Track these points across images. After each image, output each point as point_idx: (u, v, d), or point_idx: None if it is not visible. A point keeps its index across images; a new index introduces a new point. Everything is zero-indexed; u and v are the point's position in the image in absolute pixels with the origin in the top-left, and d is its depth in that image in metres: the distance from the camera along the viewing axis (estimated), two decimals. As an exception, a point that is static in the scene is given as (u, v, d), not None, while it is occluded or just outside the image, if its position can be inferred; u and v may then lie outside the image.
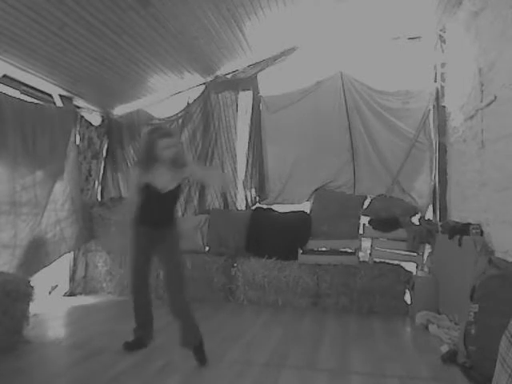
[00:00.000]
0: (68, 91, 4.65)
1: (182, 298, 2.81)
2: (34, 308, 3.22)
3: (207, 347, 2.70)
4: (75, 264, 4.89)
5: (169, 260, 2.84)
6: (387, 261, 4.32)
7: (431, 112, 4.61)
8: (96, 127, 5.23)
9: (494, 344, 1.73)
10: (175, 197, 2.89)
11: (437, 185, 4.56)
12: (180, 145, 2.81)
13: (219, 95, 5.26)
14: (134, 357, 2.78)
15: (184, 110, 5.36)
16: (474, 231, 3.22)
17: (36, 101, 4.35)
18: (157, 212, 2.82)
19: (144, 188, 2.75)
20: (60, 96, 4.64)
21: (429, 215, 4.57)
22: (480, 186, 3.37)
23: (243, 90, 5.22)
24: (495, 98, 3.01)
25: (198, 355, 2.65)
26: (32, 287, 3.14)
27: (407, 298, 4.04)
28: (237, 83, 5.20)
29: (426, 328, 3.38)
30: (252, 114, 5.16)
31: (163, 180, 2.76)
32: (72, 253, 4.81)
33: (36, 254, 4.13)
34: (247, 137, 5.19)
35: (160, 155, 2.73)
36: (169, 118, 5.44)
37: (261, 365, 2.65)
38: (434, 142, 4.59)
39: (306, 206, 4.92)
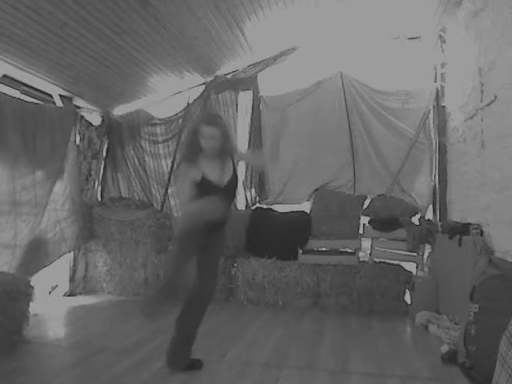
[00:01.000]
0: (68, 91, 4.65)
1: (203, 312, 2.57)
2: (34, 308, 3.22)
3: (207, 347, 2.69)
4: (75, 264, 4.88)
5: (211, 268, 2.57)
6: (387, 261, 4.32)
7: (431, 112, 4.60)
8: (96, 127, 5.23)
9: (494, 344, 1.73)
10: (233, 191, 2.59)
11: (437, 185, 4.56)
12: (224, 134, 2.44)
13: (219, 95, 5.26)
14: (134, 357, 2.78)
15: (184, 109, 5.36)
16: (474, 231, 3.22)
17: (36, 101, 4.35)
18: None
19: (200, 183, 2.38)
20: (60, 96, 4.64)
21: (429, 215, 4.57)
22: (480, 186, 3.37)
23: (243, 90, 5.21)
24: (495, 97, 3.01)
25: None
26: (32, 287, 3.14)
27: (407, 298, 4.04)
28: (237, 83, 5.20)
29: (426, 328, 3.38)
30: (252, 113, 5.16)
31: (216, 173, 2.44)
32: (72, 253, 4.81)
33: (36, 254, 4.13)
34: (247, 137, 5.19)
35: (203, 145, 2.41)
36: (169, 117, 5.45)
37: (261, 365, 2.65)
38: (433, 142, 4.59)
39: (306, 206, 4.92)
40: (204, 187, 2.37)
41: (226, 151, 2.49)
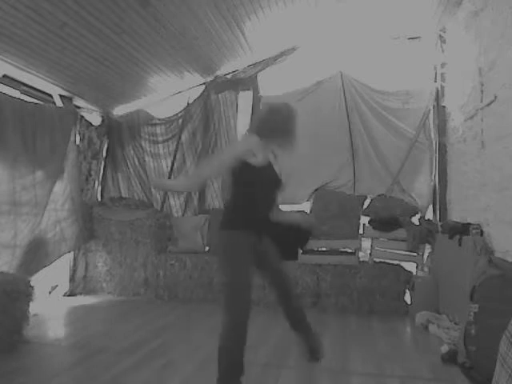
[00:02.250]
0: (68, 91, 4.65)
1: (300, 304, 2.53)
2: (34, 308, 3.22)
3: (207, 347, 2.69)
4: (75, 264, 4.89)
5: (278, 265, 2.45)
6: (387, 261, 4.32)
7: (431, 112, 4.60)
8: (96, 127, 5.23)
9: (494, 344, 1.73)
10: (276, 190, 2.36)
11: (437, 185, 4.56)
12: None
13: (219, 95, 5.26)
14: (134, 357, 2.78)
15: (184, 109, 5.36)
16: (474, 231, 3.22)
17: (36, 101, 4.35)
18: (265, 206, 2.28)
19: (256, 168, 2.10)
20: (60, 96, 4.65)
21: (429, 215, 4.57)
22: (480, 185, 3.37)
23: (243, 90, 5.21)
24: (495, 97, 3.01)
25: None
26: (32, 287, 3.14)
27: (407, 298, 4.04)
28: (237, 83, 5.20)
29: (426, 328, 3.38)
30: (252, 113, 5.15)
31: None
32: (72, 253, 4.81)
33: (36, 254, 4.13)
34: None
35: (291, 136, 2.26)
36: (169, 117, 5.45)
37: (261, 365, 2.65)
38: (433, 142, 4.58)
39: (306, 206, 4.92)
40: (261, 175, 2.14)
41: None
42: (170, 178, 5.38)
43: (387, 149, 4.68)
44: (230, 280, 2.15)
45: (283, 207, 2.65)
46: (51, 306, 4.25)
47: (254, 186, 2.16)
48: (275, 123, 2.23)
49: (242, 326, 2.11)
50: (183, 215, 5.33)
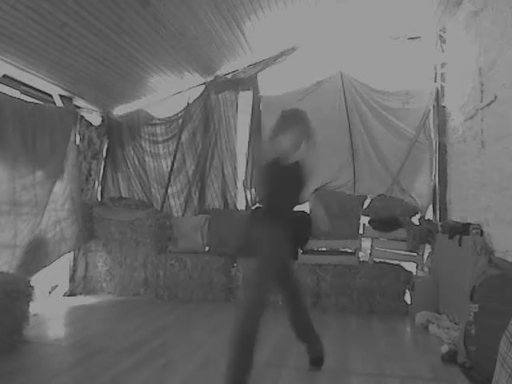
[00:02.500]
0: (68, 91, 4.65)
1: (308, 314, 2.54)
2: (34, 308, 3.22)
3: (207, 347, 2.69)
4: (75, 264, 4.89)
5: (291, 267, 2.52)
6: (387, 261, 4.32)
7: (431, 112, 4.60)
8: (96, 127, 5.23)
9: (494, 344, 1.73)
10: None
11: (437, 185, 4.56)
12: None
13: (219, 95, 5.26)
14: (134, 357, 2.78)
15: (184, 109, 5.36)
16: (474, 231, 3.22)
17: (36, 101, 4.35)
18: (291, 203, 2.48)
19: (288, 167, 2.39)
20: (60, 96, 4.64)
21: (429, 215, 4.57)
22: (480, 185, 3.37)
23: (243, 90, 5.22)
24: (495, 97, 3.01)
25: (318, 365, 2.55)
26: (32, 287, 3.14)
27: (407, 298, 4.04)
28: (237, 83, 5.20)
29: (426, 328, 3.38)
30: (252, 114, 5.16)
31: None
32: (72, 253, 4.81)
33: (36, 254, 4.13)
34: (247, 137, 5.19)
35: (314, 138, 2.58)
36: (169, 117, 5.45)
37: (261, 365, 2.65)
38: (433, 142, 4.59)
39: (306, 206, 4.91)
40: (286, 172, 2.37)
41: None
42: (169, 177, 5.38)
43: (387, 149, 4.68)
44: (257, 275, 2.21)
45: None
46: (51, 306, 4.25)
47: (283, 185, 2.32)
48: (306, 125, 2.56)
49: (258, 315, 2.20)
50: (183, 215, 5.33)
